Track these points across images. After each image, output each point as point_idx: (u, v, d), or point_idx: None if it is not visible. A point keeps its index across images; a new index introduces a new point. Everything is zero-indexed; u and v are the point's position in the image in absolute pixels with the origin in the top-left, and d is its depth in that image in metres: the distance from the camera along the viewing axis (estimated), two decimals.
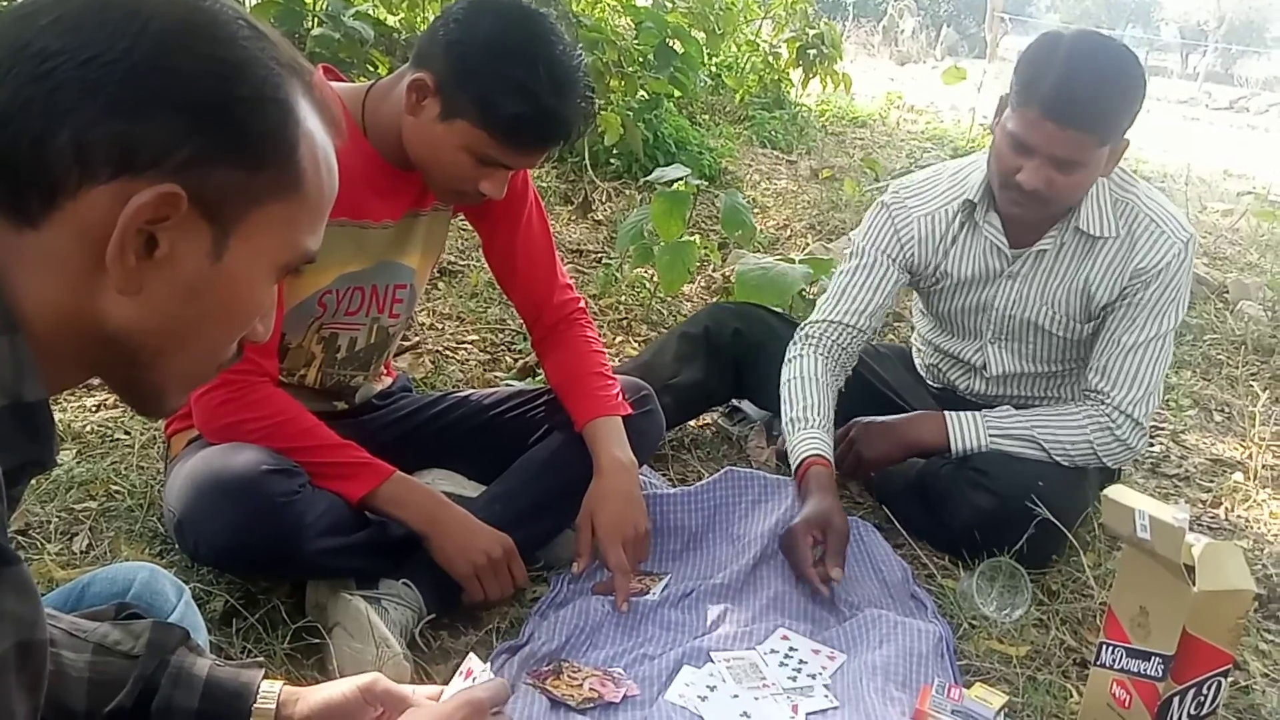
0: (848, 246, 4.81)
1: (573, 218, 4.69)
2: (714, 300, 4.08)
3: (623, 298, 3.89)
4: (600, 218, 4.90)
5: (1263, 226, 5.54)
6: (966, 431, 2.21)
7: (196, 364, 0.89)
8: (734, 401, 2.68)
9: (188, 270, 0.81)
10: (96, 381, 0.96)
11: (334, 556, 1.66)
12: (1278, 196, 6.68)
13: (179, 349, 0.85)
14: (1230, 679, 1.71)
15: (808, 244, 4.91)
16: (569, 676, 1.68)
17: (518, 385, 2.55)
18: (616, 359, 3.20)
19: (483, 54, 1.61)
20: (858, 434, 2.27)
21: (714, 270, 4.36)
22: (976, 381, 2.41)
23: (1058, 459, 2.16)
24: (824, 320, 2.31)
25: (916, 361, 2.57)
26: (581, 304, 2.07)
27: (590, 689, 1.66)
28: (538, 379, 2.66)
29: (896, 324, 3.68)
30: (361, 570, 1.72)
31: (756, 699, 1.67)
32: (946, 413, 2.25)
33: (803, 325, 2.35)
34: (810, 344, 2.29)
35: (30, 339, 0.78)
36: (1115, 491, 1.50)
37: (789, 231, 5.03)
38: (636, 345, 3.44)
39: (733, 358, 2.48)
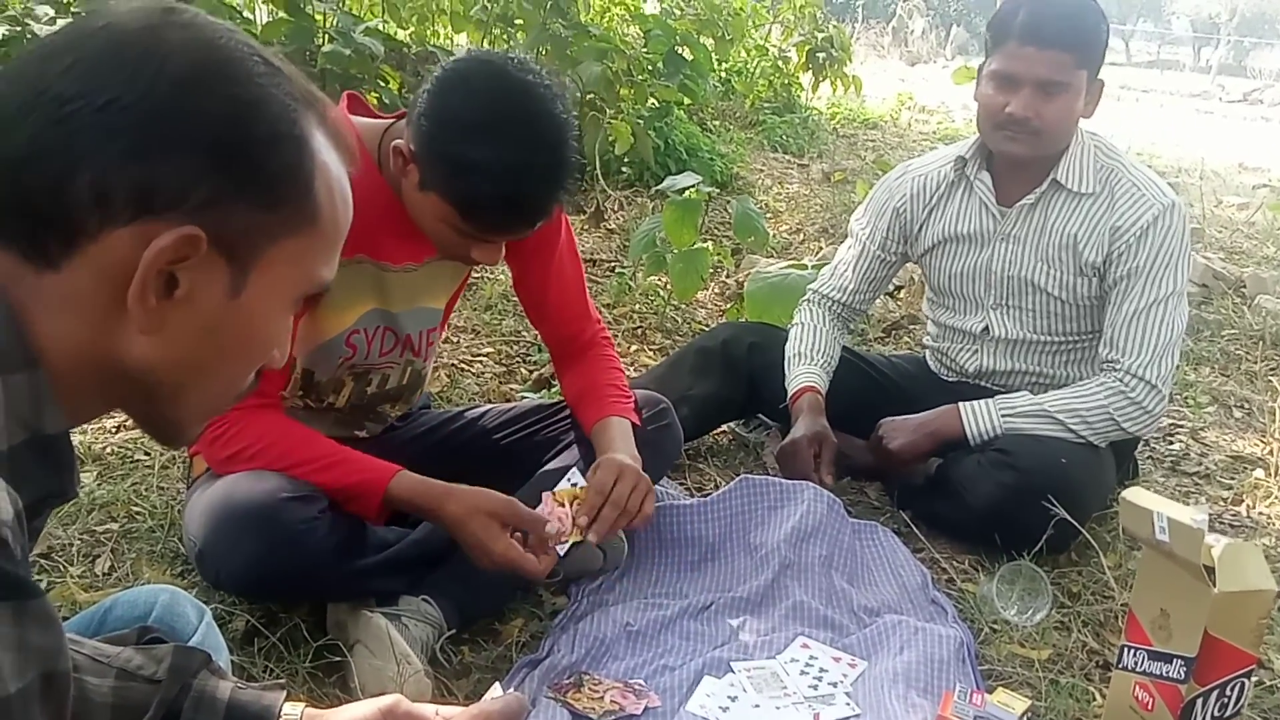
0: None
1: (585, 227, 4.69)
2: (728, 306, 4.09)
3: (637, 306, 3.90)
4: (613, 226, 4.91)
5: (1278, 220, 5.51)
6: (980, 415, 2.23)
7: (216, 396, 0.90)
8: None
9: (207, 308, 0.81)
10: None
11: (355, 579, 1.67)
12: None
13: (198, 383, 0.86)
14: (1254, 679, 1.70)
15: (821, 247, 4.90)
16: (590, 689, 1.69)
17: (534, 399, 2.56)
18: (632, 369, 3.21)
19: (449, 132, 1.54)
20: (884, 430, 2.32)
21: (727, 276, 4.36)
22: (984, 357, 2.43)
23: (1075, 429, 2.18)
24: (819, 293, 2.57)
25: (929, 360, 2.58)
26: (607, 333, 2.07)
27: (611, 701, 1.66)
28: (554, 391, 2.67)
29: (912, 326, 3.67)
30: (382, 590, 1.72)
31: (778, 708, 1.67)
32: (960, 403, 2.27)
33: (805, 292, 2.60)
34: (811, 305, 2.56)
35: (50, 374, 0.79)
36: (1133, 494, 1.49)
37: (802, 236, 5.03)
38: (651, 354, 3.45)
39: (748, 372, 2.50)
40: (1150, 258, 2.18)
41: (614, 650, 1.80)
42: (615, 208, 5.07)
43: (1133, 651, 1.50)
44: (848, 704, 1.69)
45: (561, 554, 1.76)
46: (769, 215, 5.33)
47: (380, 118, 1.83)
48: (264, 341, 0.89)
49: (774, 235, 5.08)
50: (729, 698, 1.68)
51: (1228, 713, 1.46)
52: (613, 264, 4.52)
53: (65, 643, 0.76)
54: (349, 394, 1.89)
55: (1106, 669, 1.83)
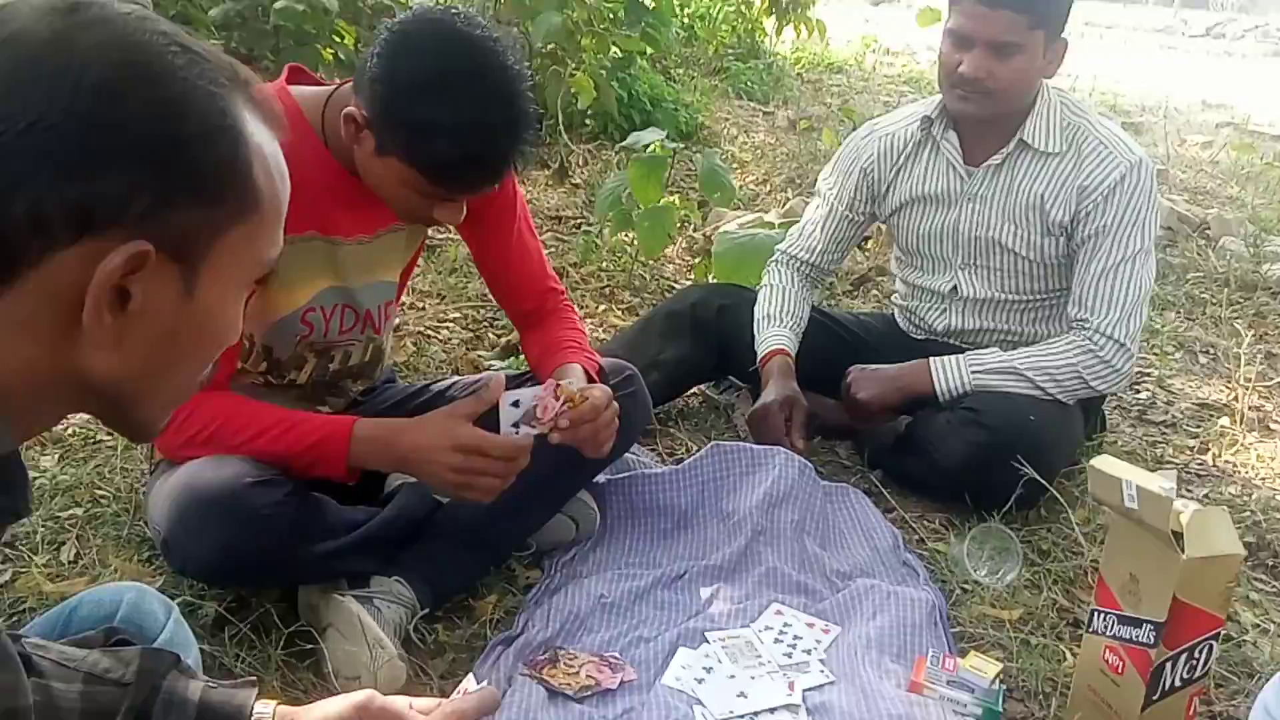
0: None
1: (549, 183, 4.65)
2: (696, 261, 4.06)
3: (604, 264, 3.87)
4: (578, 181, 4.86)
5: (1242, 159, 5.52)
6: (950, 371, 2.23)
7: (180, 390, 0.88)
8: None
9: (163, 314, 0.79)
10: None
11: (325, 561, 1.65)
12: (1256, 126, 6.66)
13: (163, 383, 0.85)
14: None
15: (788, 198, 4.87)
16: (565, 664, 1.69)
17: (501, 366, 2.54)
18: (600, 330, 3.19)
19: (405, 94, 1.52)
20: (853, 379, 2.32)
21: (694, 230, 4.33)
22: (953, 316, 2.43)
23: (1044, 387, 2.19)
24: (788, 254, 2.56)
25: (898, 318, 2.57)
26: (566, 298, 2.05)
27: (587, 676, 1.66)
28: (521, 358, 2.65)
29: (880, 279, 3.67)
30: (354, 570, 1.71)
31: (753, 678, 1.67)
32: (930, 358, 2.27)
33: (774, 252, 2.59)
34: (780, 265, 2.55)
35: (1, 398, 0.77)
36: (1102, 462, 1.49)
37: (768, 186, 5.00)
38: (620, 313, 3.43)
39: (718, 335, 2.49)
40: (1118, 216, 2.18)
41: (588, 623, 1.80)
42: (580, 162, 5.01)
43: (1103, 616, 1.51)
44: (822, 671, 1.70)
45: (519, 435, 1.68)
46: (735, 166, 5.30)
47: (322, 84, 1.79)
48: (222, 333, 0.87)
49: (740, 187, 5.04)
50: (704, 669, 1.69)
51: (1196, 673, 1.48)
52: (579, 220, 4.48)
53: (24, 679, 0.74)
54: (311, 370, 1.86)
55: (1077, 627, 1.85)
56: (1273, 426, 2.80)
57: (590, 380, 1.89)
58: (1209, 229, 4.52)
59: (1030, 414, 2.09)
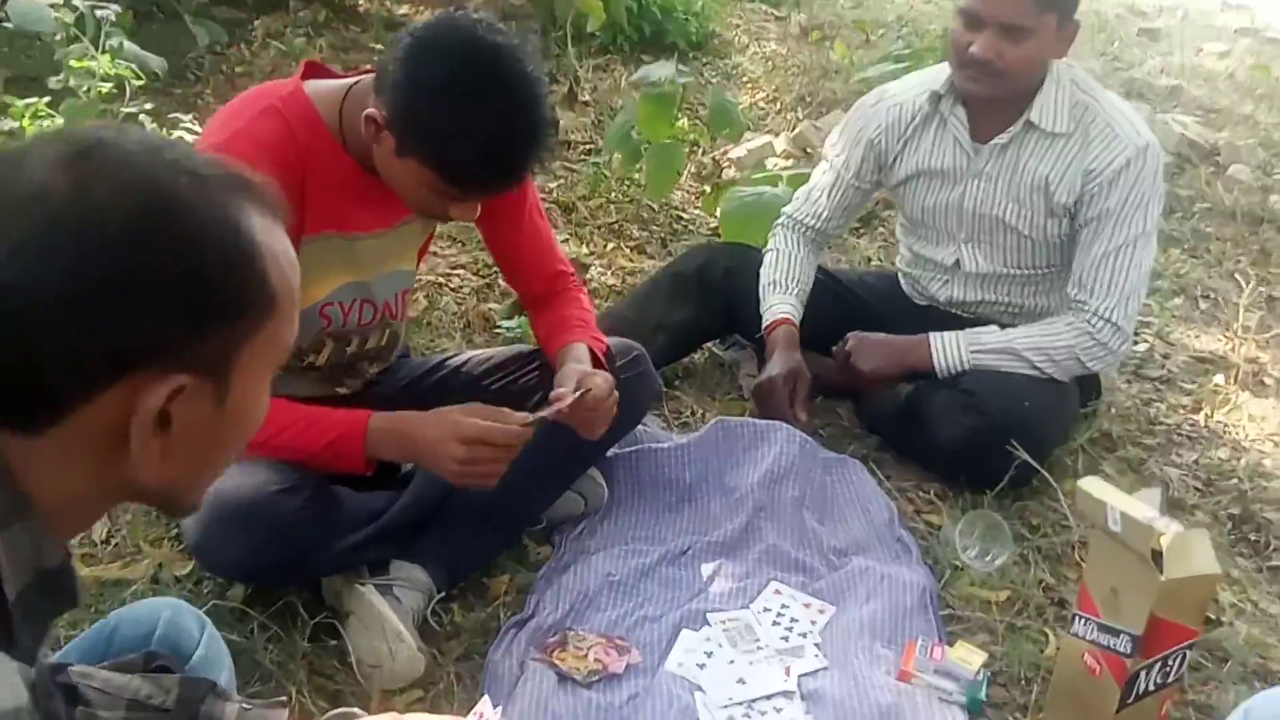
0: (837, 123, 4.75)
1: (558, 106, 4.62)
2: (705, 189, 4.07)
3: (613, 195, 3.88)
4: (587, 98, 4.82)
5: (1258, 75, 5.45)
6: (950, 349, 2.28)
7: (218, 473, 0.95)
8: None
9: (201, 424, 0.85)
10: None
11: (348, 555, 1.74)
12: (1276, 33, 6.52)
13: (204, 475, 0.92)
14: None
15: (797, 119, 4.84)
16: (574, 647, 1.78)
17: (513, 328, 2.61)
18: (609, 274, 3.23)
19: (426, 100, 1.54)
20: (854, 346, 2.36)
21: (704, 154, 4.32)
22: (955, 288, 2.47)
23: (1042, 367, 2.24)
24: (794, 219, 2.57)
25: (902, 283, 2.61)
26: (575, 279, 2.09)
27: (595, 659, 1.76)
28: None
29: (886, 214, 3.68)
30: (375, 559, 1.79)
31: (751, 663, 1.77)
32: (930, 334, 2.31)
33: (780, 215, 2.60)
34: (785, 229, 2.57)
35: (47, 514, 0.83)
36: (1089, 484, 1.56)
37: (778, 105, 4.95)
38: (628, 252, 3.45)
39: (724, 295, 2.53)
40: (1121, 201, 2.19)
41: (596, 602, 1.89)
42: (588, 74, 4.96)
43: (1084, 621, 1.59)
44: (816, 655, 1.79)
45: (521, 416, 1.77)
46: (745, 81, 5.24)
47: (339, 77, 1.80)
48: (255, 420, 0.93)
49: (750, 104, 5.01)
50: (705, 654, 1.79)
51: (1170, 679, 1.57)
52: (589, 145, 4.46)
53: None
54: (329, 354, 1.92)
55: (1062, 607, 1.94)
56: (1267, 381, 2.85)
57: (595, 360, 1.96)
58: (1218, 155, 4.50)
59: (1026, 399, 2.14)
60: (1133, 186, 2.20)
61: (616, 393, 1.86)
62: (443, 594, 1.83)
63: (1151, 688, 1.56)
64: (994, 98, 2.23)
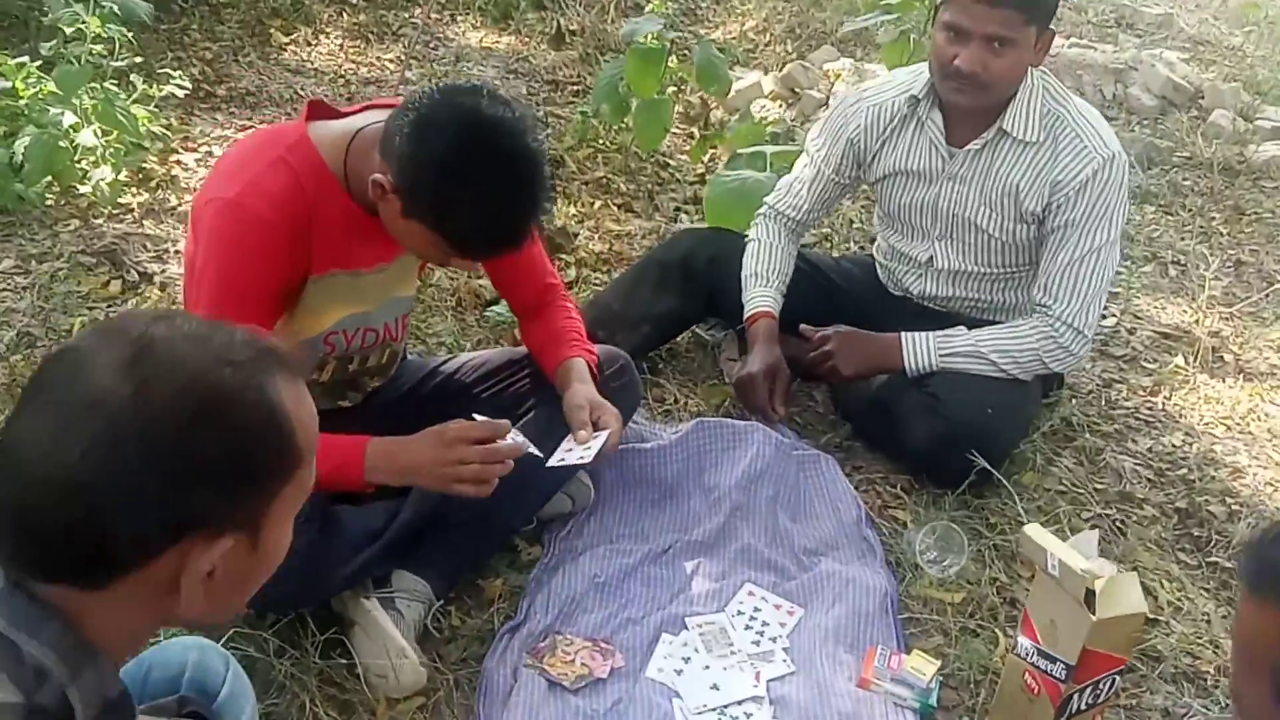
0: (826, 59, 4.76)
1: (545, 46, 4.64)
2: (692, 131, 4.12)
3: (600, 142, 3.93)
4: (574, 27, 4.82)
5: (1246, 9, 5.44)
6: (920, 351, 2.40)
7: (248, 597, 1.09)
8: None
9: (238, 570, 0.99)
10: None
11: (355, 576, 1.88)
12: None
13: (237, 602, 1.07)
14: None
15: (786, 53, 4.85)
16: (563, 651, 1.94)
17: (496, 310, 2.72)
18: (596, 238, 3.31)
19: (430, 175, 1.64)
20: (836, 346, 2.46)
21: (691, 93, 4.35)
22: (928, 282, 2.57)
23: (1006, 369, 2.36)
24: (775, 209, 2.66)
25: (879, 273, 2.71)
26: (564, 290, 2.20)
27: (581, 664, 1.93)
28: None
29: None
30: (378, 573, 1.94)
31: (725, 669, 1.94)
32: (902, 334, 2.43)
33: (761, 204, 2.70)
34: (767, 220, 2.66)
35: (108, 653, 0.97)
36: (1033, 530, 1.70)
37: (767, 37, 4.95)
38: (615, 210, 3.53)
39: (706, 285, 2.65)
40: (1087, 211, 2.29)
41: (583, 604, 2.05)
42: (576, 6, 4.94)
43: (1026, 645, 1.75)
44: (785, 661, 1.96)
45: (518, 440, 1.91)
46: (735, 12, 5.22)
47: (342, 115, 1.87)
48: (281, 552, 1.07)
49: (738, 37, 5.01)
50: (683, 659, 1.95)
51: (1100, 700, 1.74)
52: (576, 85, 4.49)
53: None
54: (332, 371, 2.03)
55: (1013, 606, 2.11)
56: (1226, 358, 2.98)
57: (591, 372, 2.09)
58: (1202, 98, 4.54)
59: (989, 405, 2.27)
60: (1098, 197, 2.29)
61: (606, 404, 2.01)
62: (441, 602, 1.98)
63: (1084, 707, 1.73)
64: (976, 107, 2.30)
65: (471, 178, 1.64)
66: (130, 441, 0.89)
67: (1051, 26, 2.27)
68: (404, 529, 1.97)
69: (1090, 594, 1.62)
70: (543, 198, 1.71)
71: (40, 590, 0.93)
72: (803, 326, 2.51)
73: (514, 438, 1.89)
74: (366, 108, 1.88)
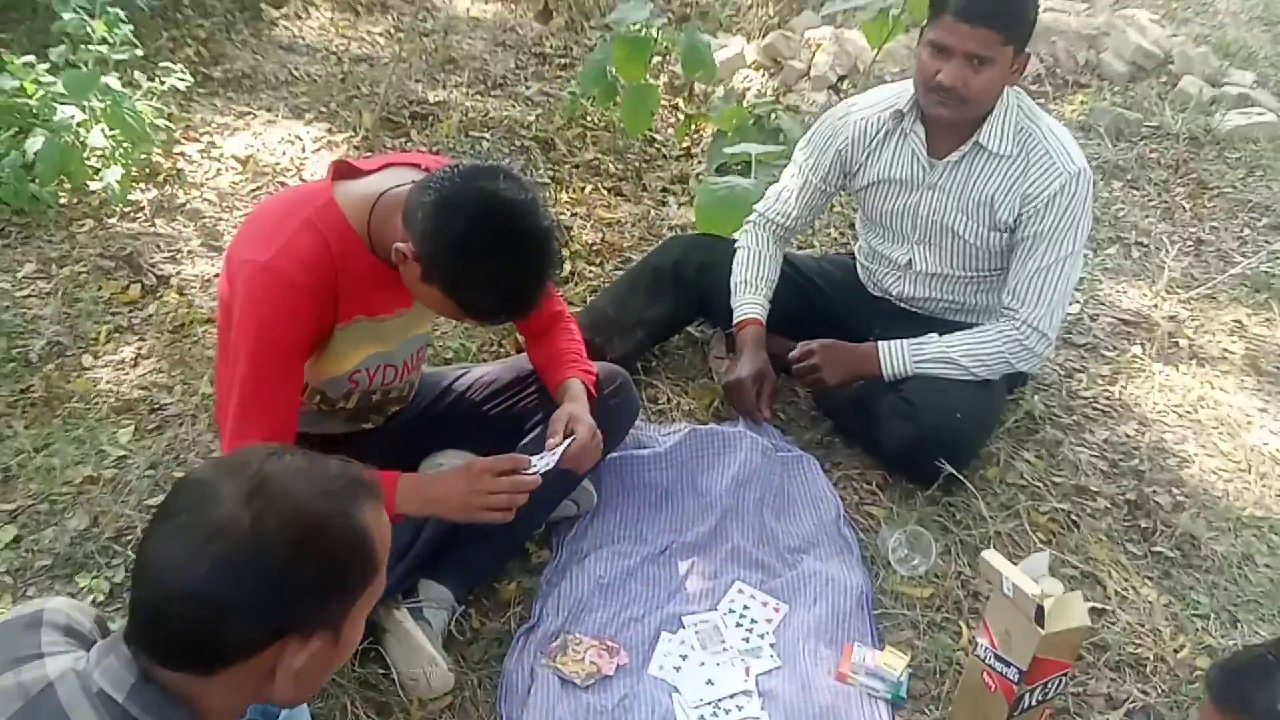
0: (809, 25, 4.86)
1: (532, 19, 4.71)
2: (679, 102, 4.24)
3: (588, 120, 4.06)
4: None
5: None
6: (895, 357, 2.60)
7: (326, 680, 1.31)
8: None
9: (321, 661, 1.20)
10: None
11: (389, 590, 2.08)
12: None
13: (317, 686, 1.28)
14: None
15: (769, 16, 4.94)
16: (573, 650, 2.17)
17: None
18: (588, 228, 3.47)
19: (449, 251, 1.80)
20: (822, 359, 2.66)
21: (676, 62, 4.45)
22: (907, 284, 2.77)
23: (976, 371, 2.57)
24: (765, 216, 2.86)
25: (860, 274, 2.90)
26: (568, 314, 2.38)
27: (590, 662, 2.15)
28: None
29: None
30: (407, 586, 2.15)
31: (718, 665, 2.17)
32: (879, 343, 2.63)
33: (750, 213, 2.86)
34: (756, 227, 2.86)
35: None
36: (990, 555, 1.92)
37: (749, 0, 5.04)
38: (605, 194, 3.68)
39: (697, 291, 2.84)
40: (1054, 223, 2.48)
41: (590, 604, 2.27)
42: None
43: (984, 648, 1.98)
44: (772, 656, 2.19)
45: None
46: None
47: (365, 172, 2.02)
48: (355, 643, 1.28)
49: (721, 1, 5.09)
50: (681, 656, 2.18)
51: (1049, 697, 1.98)
52: (564, 58, 4.58)
53: None
54: (356, 399, 2.22)
55: (976, 599, 2.34)
56: (1181, 343, 3.19)
57: (588, 390, 2.28)
58: (1172, 64, 4.68)
59: (959, 410, 2.48)
60: (1065, 210, 2.48)
61: (599, 433, 2.19)
62: (463, 608, 2.20)
63: (1034, 703, 1.97)
64: (956, 120, 2.48)
65: (487, 256, 1.81)
66: (248, 564, 1.10)
67: (1028, 50, 2.43)
68: (428, 545, 2.18)
69: (1040, 611, 1.85)
70: (553, 268, 1.89)
71: (162, 676, 1.13)
72: (790, 355, 2.69)
73: (536, 463, 2.08)
74: (385, 165, 2.04)
